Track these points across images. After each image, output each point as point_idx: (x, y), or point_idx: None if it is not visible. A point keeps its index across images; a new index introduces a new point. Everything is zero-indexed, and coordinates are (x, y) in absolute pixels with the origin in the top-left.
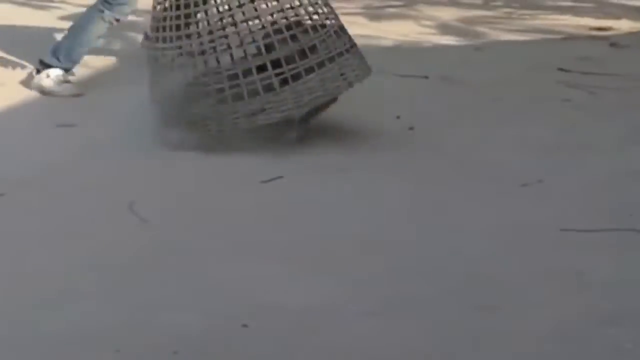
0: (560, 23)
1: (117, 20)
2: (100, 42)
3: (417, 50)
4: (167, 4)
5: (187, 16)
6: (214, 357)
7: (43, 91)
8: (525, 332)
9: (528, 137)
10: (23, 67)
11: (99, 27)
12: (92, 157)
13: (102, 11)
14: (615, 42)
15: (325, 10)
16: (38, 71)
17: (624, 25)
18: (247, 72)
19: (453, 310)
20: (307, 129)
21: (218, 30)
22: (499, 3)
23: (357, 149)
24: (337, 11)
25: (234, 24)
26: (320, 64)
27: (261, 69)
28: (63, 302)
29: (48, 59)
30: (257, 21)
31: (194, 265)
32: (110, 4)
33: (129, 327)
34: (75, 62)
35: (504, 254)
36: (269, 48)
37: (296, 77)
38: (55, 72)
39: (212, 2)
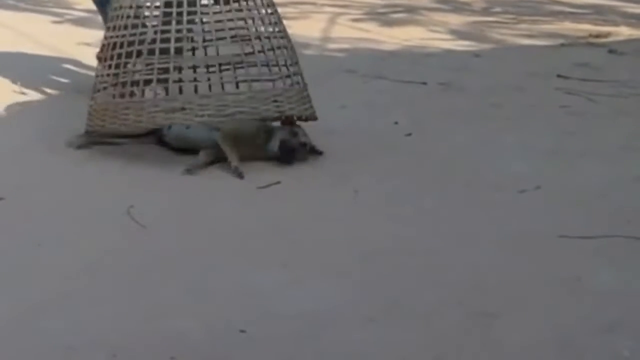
0: (559, 30)
1: None
2: None
3: (417, 55)
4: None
5: (139, 7)
6: None
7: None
8: (524, 338)
9: (526, 144)
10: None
11: None
12: (91, 162)
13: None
14: (613, 49)
15: (280, 42)
16: None
17: (622, 32)
18: (177, 69)
19: (453, 316)
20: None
21: (163, 23)
22: (498, 10)
23: (355, 155)
24: (342, 17)
25: (180, 22)
26: (256, 83)
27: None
28: (60, 305)
29: None
30: (205, 25)
31: (191, 271)
32: None
33: (126, 332)
34: None
35: (502, 260)
36: (208, 50)
37: (236, 85)
38: None
39: None
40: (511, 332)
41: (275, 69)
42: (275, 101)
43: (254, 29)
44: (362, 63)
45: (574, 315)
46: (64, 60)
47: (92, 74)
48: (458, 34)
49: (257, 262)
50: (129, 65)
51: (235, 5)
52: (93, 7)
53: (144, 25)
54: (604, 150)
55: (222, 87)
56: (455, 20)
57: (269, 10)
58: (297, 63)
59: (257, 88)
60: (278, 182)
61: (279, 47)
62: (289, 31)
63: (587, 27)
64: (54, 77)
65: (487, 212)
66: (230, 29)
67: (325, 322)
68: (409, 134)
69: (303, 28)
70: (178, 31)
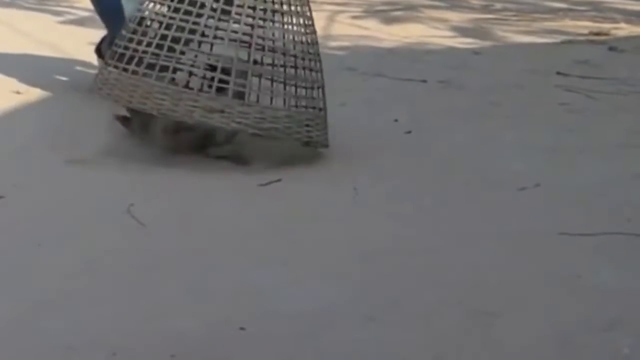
0: (558, 27)
1: None
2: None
3: (416, 53)
4: None
5: None
6: None
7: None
8: (524, 337)
9: (526, 141)
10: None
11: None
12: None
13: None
14: (613, 46)
15: (318, 65)
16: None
17: (622, 29)
18: (226, 70)
19: (453, 316)
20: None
21: (219, 20)
22: (498, 7)
23: (354, 153)
24: (342, 14)
25: (237, 22)
26: (296, 105)
27: (239, 75)
28: (60, 304)
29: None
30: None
31: (191, 270)
32: None
33: (126, 331)
34: None
35: (502, 259)
36: (259, 61)
37: (269, 100)
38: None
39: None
40: (511, 330)
41: (313, 91)
42: (308, 125)
43: (300, 47)
44: (361, 61)
45: (574, 313)
46: (64, 59)
47: (93, 72)
48: (458, 31)
49: (257, 261)
50: (176, 51)
51: (285, 19)
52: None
53: (201, 8)
54: (603, 147)
55: (257, 99)
56: (455, 17)
57: (308, 31)
58: (324, 87)
59: (294, 109)
60: (278, 180)
61: (317, 71)
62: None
63: (587, 25)
64: (54, 76)
65: (486, 210)
66: (271, 42)
67: (325, 321)
68: (409, 132)
69: None
70: (234, 31)
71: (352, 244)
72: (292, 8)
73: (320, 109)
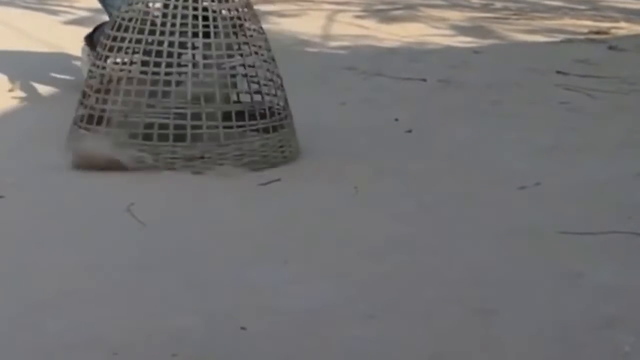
0: (558, 26)
1: None
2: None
3: (416, 52)
4: (131, 25)
5: (149, 43)
6: (213, 359)
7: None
8: (524, 334)
9: (526, 140)
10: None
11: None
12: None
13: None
14: (613, 45)
15: (276, 81)
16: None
17: (622, 28)
18: (195, 116)
19: (453, 313)
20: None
21: (178, 65)
22: (498, 6)
23: (355, 152)
24: (340, 13)
25: (196, 65)
26: (266, 130)
27: (210, 117)
28: (61, 303)
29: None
30: (219, 70)
31: (192, 268)
32: None
33: (126, 330)
34: None
35: (502, 257)
36: (226, 99)
37: (242, 135)
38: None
39: (180, 35)
40: (511, 328)
41: (278, 114)
42: (282, 146)
43: (261, 72)
44: (361, 60)
45: (574, 312)
46: (64, 58)
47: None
48: (457, 30)
49: (257, 260)
50: (142, 105)
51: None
52: (94, 5)
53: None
54: (604, 146)
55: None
56: (455, 16)
57: (263, 46)
58: (284, 95)
59: (267, 135)
60: (278, 179)
61: (278, 87)
62: (288, 29)
63: (586, 24)
64: (54, 75)
65: (487, 209)
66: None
67: (325, 320)
68: (409, 131)
69: (302, 25)
70: (194, 75)
71: (352, 242)
72: (250, 33)
73: (286, 124)
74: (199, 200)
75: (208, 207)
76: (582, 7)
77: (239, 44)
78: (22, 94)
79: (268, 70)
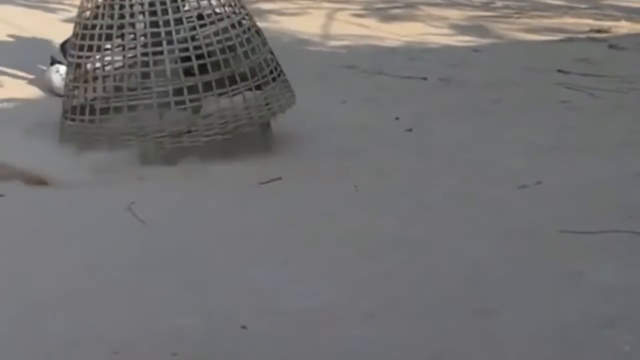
0: (559, 24)
1: None
2: None
3: (417, 51)
4: (100, 12)
5: (120, 27)
6: (213, 358)
7: (52, 88)
8: (524, 334)
9: (527, 139)
10: (27, 68)
11: None
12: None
13: None
14: (614, 44)
15: (256, 37)
16: (52, 63)
17: (623, 27)
18: (177, 91)
19: (452, 312)
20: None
21: (153, 45)
22: (498, 5)
23: (355, 150)
24: (341, 12)
25: (170, 42)
26: (248, 91)
27: (191, 89)
28: (62, 303)
29: (60, 57)
30: (193, 41)
31: (192, 267)
32: None
33: (127, 329)
34: None
35: (503, 256)
36: (203, 69)
37: (223, 103)
38: (65, 69)
39: (147, 16)
40: (511, 328)
41: (261, 71)
42: (267, 104)
43: (239, 43)
44: (362, 59)
45: (574, 311)
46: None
47: None
48: (458, 29)
49: (258, 258)
50: (124, 89)
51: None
52: None
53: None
54: (604, 145)
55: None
56: (455, 15)
57: (243, 19)
58: (269, 49)
59: (249, 95)
60: (279, 178)
61: (264, 59)
62: (288, 27)
63: (587, 22)
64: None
65: (487, 207)
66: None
67: (325, 318)
68: (410, 130)
69: (302, 24)
70: (170, 51)
71: (352, 241)
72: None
73: (271, 79)
74: (199, 199)
75: (209, 206)
76: (583, 5)
77: (210, 14)
78: (21, 92)
79: (243, 31)
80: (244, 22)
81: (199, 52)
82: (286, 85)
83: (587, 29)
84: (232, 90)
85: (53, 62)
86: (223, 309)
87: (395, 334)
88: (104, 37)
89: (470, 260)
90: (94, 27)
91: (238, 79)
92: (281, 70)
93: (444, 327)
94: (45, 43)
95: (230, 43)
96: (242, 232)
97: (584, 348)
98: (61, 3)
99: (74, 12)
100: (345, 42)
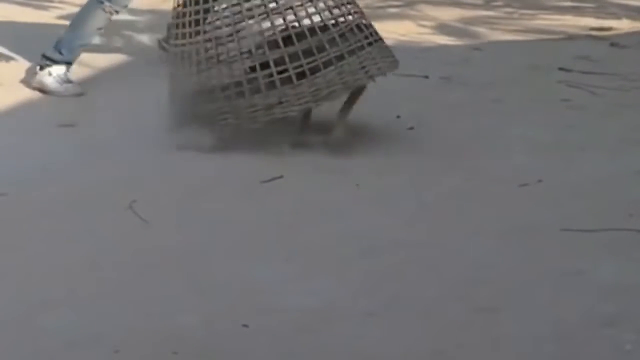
0: (560, 23)
1: (117, 11)
2: (100, 35)
3: (418, 49)
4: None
5: (206, 11)
6: (214, 357)
7: (44, 89)
8: (525, 333)
9: (528, 137)
10: (23, 66)
11: (99, 19)
12: (92, 157)
13: (102, 2)
14: (615, 42)
15: (348, 4)
16: (41, 68)
17: (624, 25)
18: (264, 65)
19: (453, 311)
20: (304, 133)
21: (236, 23)
22: (499, 3)
23: (357, 149)
24: None
25: (252, 17)
26: (340, 57)
27: (279, 62)
28: (62, 302)
29: (50, 53)
30: (276, 16)
31: (193, 266)
32: None
33: (128, 328)
34: (76, 55)
35: (504, 254)
36: (287, 41)
37: (314, 70)
38: (58, 71)
39: None
40: (512, 326)
41: (354, 35)
42: (363, 67)
43: (326, 12)
44: None
45: (575, 309)
46: None
47: (91, 68)
48: (458, 27)
49: (258, 258)
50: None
51: None
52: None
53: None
54: (605, 143)
55: (304, 75)
56: (456, 14)
57: None
58: (366, 22)
59: (343, 61)
60: (280, 177)
61: (357, 25)
62: None
63: (588, 20)
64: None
65: (488, 206)
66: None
67: (326, 317)
68: (411, 128)
69: None
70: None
71: (353, 240)
72: None
73: (367, 44)
74: (201, 198)
75: (210, 205)
76: (584, 4)
77: None
78: (21, 90)
79: None
80: None
81: (283, 24)
82: (386, 50)
83: (589, 27)
84: (321, 58)
85: (45, 58)
86: (223, 307)
87: (396, 332)
88: (193, 23)
89: (471, 258)
90: (184, 15)
91: (327, 46)
92: (379, 37)
93: (445, 325)
94: (39, 40)
95: (314, 11)
96: (244, 230)
97: (584, 346)
98: (51, 1)
99: (66, 10)
100: None
